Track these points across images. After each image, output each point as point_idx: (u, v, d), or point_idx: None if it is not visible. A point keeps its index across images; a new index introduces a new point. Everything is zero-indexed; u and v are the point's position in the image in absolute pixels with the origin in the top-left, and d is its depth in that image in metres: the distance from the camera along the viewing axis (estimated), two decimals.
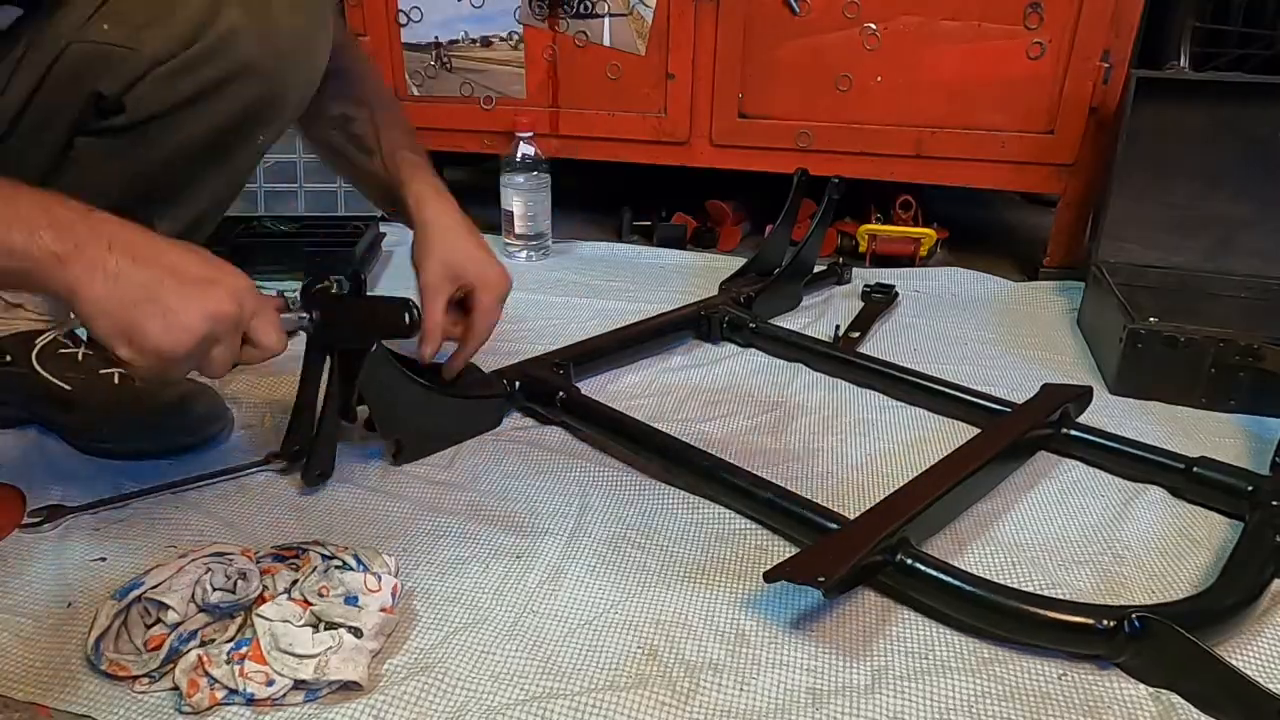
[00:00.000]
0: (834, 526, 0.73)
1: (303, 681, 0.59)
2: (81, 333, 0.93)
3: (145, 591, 0.62)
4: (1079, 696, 0.61)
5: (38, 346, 0.87)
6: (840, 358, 1.12)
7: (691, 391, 1.08)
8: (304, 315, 0.79)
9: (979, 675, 0.63)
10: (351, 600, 0.65)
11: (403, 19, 1.59)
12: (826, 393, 1.08)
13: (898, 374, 1.06)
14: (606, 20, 1.53)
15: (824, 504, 0.77)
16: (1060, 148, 1.44)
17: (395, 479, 0.86)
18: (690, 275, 1.49)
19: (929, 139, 1.48)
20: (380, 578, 0.68)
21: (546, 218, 1.56)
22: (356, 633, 0.62)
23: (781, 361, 1.16)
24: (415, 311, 0.77)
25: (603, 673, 0.63)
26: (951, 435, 0.97)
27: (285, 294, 1.21)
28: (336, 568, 0.68)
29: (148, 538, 0.75)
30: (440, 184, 0.92)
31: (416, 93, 1.65)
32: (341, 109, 0.90)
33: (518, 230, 1.54)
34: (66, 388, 0.87)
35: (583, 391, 0.98)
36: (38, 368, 0.87)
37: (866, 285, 1.41)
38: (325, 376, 0.83)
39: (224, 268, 0.64)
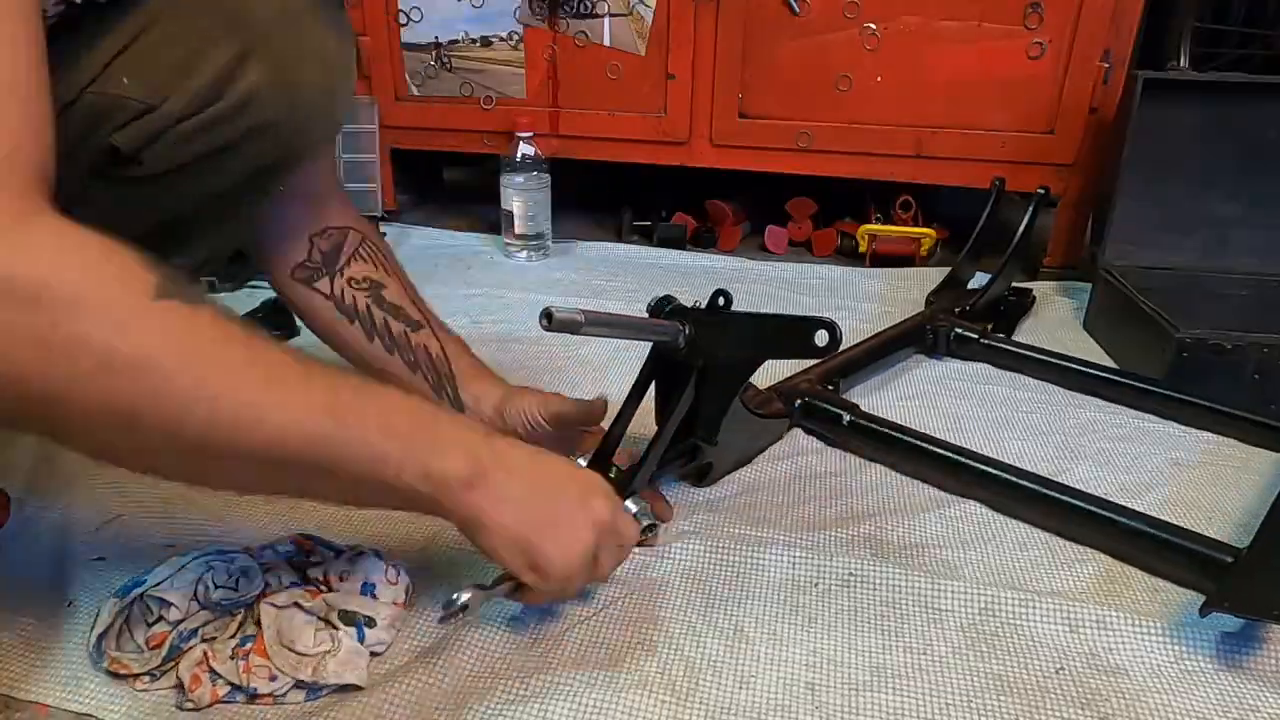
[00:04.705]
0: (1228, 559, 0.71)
1: (303, 680, 0.59)
2: None
3: (147, 589, 0.62)
4: (1075, 690, 0.62)
5: None
6: (1103, 377, 1.09)
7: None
8: (680, 328, 0.76)
9: (977, 670, 0.63)
10: (368, 588, 0.65)
11: (403, 19, 1.60)
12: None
13: (1161, 391, 1.04)
14: (606, 20, 1.53)
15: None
16: (1060, 148, 1.44)
17: None
18: (690, 276, 1.50)
19: (929, 139, 1.48)
20: (400, 570, 0.68)
21: (546, 218, 1.56)
22: (370, 622, 0.63)
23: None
24: (837, 329, 0.71)
25: (602, 670, 0.63)
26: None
27: None
28: (356, 556, 0.68)
29: (148, 537, 0.75)
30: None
31: (416, 93, 1.65)
32: (365, 272, 0.85)
33: (518, 230, 1.54)
34: None
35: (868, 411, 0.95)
36: None
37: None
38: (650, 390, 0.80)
39: (579, 471, 0.67)
